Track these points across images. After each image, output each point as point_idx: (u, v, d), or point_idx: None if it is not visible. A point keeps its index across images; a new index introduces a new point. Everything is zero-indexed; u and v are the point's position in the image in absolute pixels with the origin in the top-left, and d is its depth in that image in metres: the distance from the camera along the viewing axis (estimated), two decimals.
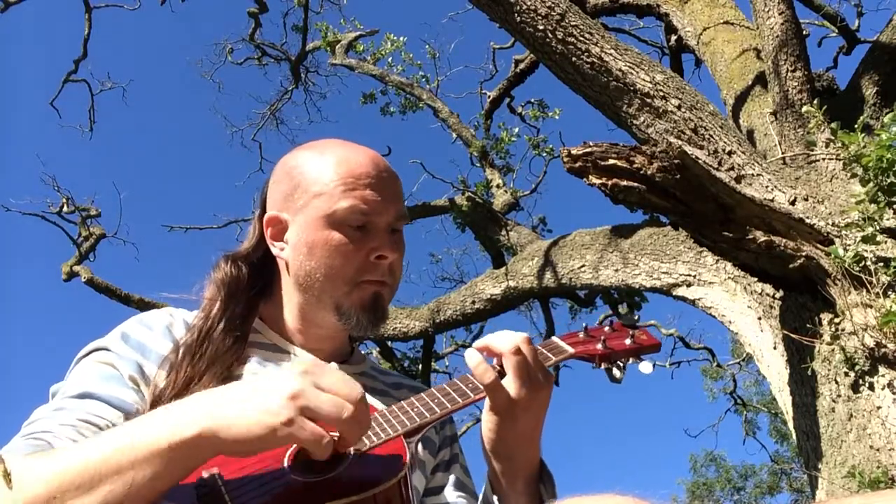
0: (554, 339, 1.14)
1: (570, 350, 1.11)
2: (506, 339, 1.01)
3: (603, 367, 1.14)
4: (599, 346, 1.12)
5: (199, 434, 0.76)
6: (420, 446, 1.18)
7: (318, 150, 1.15)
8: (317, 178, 1.11)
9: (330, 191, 1.09)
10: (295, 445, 0.90)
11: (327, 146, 1.16)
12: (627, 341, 1.14)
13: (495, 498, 1.07)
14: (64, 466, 0.76)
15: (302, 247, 1.11)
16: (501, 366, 1.01)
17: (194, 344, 1.07)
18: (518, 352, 1.00)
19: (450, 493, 1.20)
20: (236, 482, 0.85)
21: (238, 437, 0.76)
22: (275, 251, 1.16)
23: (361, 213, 1.08)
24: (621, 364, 1.14)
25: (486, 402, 1.03)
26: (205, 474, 0.85)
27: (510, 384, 0.99)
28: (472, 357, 1.01)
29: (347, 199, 1.08)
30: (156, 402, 0.99)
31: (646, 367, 1.15)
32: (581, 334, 1.15)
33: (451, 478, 1.22)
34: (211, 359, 1.05)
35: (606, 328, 1.18)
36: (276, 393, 0.78)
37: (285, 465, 0.88)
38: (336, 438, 0.79)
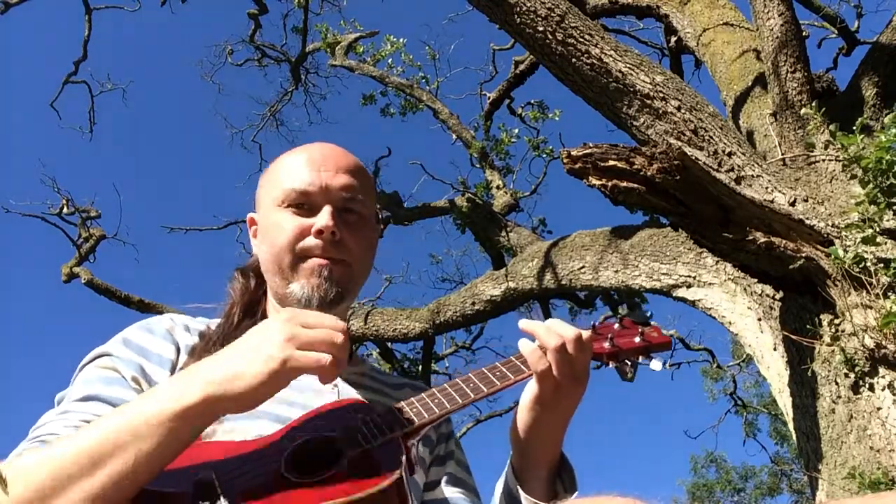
0: None
1: None
2: (557, 333, 1.03)
3: (612, 365, 1.12)
4: (607, 344, 1.11)
5: (204, 398, 0.80)
6: (420, 444, 1.19)
7: (281, 154, 1.24)
8: (270, 174, 1.21)
9: (276, 180, 1.18)
10: (290, 448, 0.90)
11: (291, 149, 1.25)
12: (637, 339, 1.13)
13: (518, 486, 1.09)
14: (63, 452, 0.78)
15: (261, 235, 1.20)
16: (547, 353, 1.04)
17: (209, 343, 1.11)
18: (564, 347, 1.03)
19: (445, 488, 1.21)
20: (232, 482, 0.85)
21: (244, 390, 0.81)
22: (255, 249, 1.24)
23: (299, 192, 1.15)
24: (629, 362, 1.13)
25: (531, 390, 1.06)
26: (203, 473, 0.85)
27: (557, 375, 1.03)
28: (526, 345, 1.05)
29: (287, 183, 1.16)
30: None
31: (656, 364, 1.13)
32: (589, 332, 1.13)
33: (447, 473, 1.23)
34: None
35: (616, 325, 1.16)
36: (270, 341, 0.84)
37: (281, 467, 0.88)
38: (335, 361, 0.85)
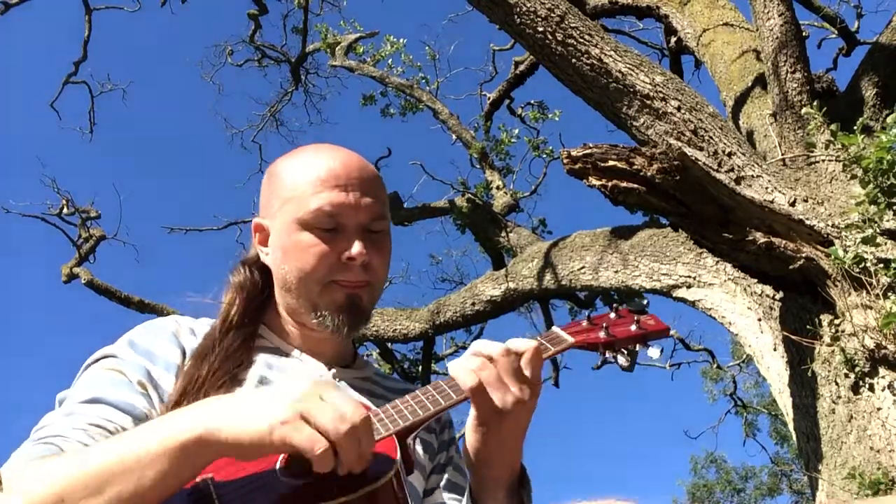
0: (555, 329, 1.12)
1: (571, 339, 1.08)
2: (486, 349, 0.99)
3: (608, 355, 1.10)
4: (602, 333, 1.09)
5: (200, 436, 0.78)
6: (421, 449, 1.19)
7: (294, 156, 1.18)
8: (288, 183, 1.13)
9: (299, 195, 1.11)
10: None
11: (304, 151, 1.18)
12: (633, 327, 1.10)
13: None
14: (73, 469, 0.78)
15: (278, 251, 1.13)
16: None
17: (209, 345, 1.09)
18: (494, 361, 0.98)
19: (443, 493, 1.20)
20: (228, 486, 0.85)
21: (237, 438, 0.78)
22: (262, 257, 1.18)
23: (328, 215, 1.09)
24: (626, 351, 1.11)
25: (471, 409, 1.00)
26: (197, 479, 0.85)
27: (494, 392, 0.97)
28: (453, 365, 0.99)
29: (315, 202, 1.09)
30: (177, 403, 1.00)
31: (654, 352, 1.11)
32: (584, 323, 1.12)
33: (444, 478, 1.22)
34: (221, 360, 1.07)
35: (611, 315, 1.14)
36: (279, 397, 0.80)
37: (277, 468, 0.88)
38: (330, 450, 0.78)
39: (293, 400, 0.79)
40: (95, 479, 0.77)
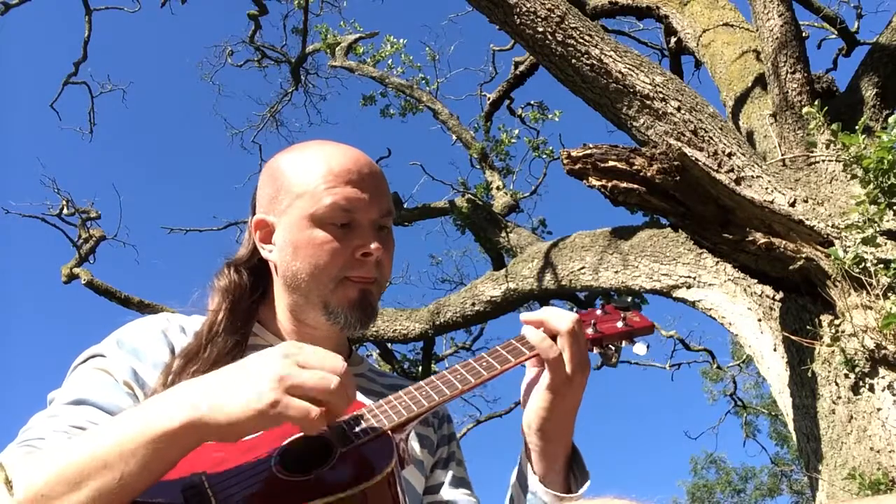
0: None
1: None
2: (564, 318, 1.01)
3: (595, 351, 1.12)
4: (590, 330, 1.11)
5: (186, 423, 0.78)
6: (418, 445, 1.18)
7: (300, 151, 1.17)
8: (299, 178, 1.12)
9: (311, 190, 1.10)
10: (283, 444, 0.90)
11: (309, 146, 1.17)
12: (619, 324, 1.13)
13: (536, 479, 1.06)
14: (52, 465, 0.78)
15: (287, 247, 1.11)
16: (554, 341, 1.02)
17: (196, 349, 1.07)
18: (575, 331, 1.01)
19: (447, 490, 1.19)
20: (223, 482, 0.85)
21: (227, 423, 0.78)
22: (264, 254, 1.17)
23: (343, 210, 1.09)
24: (613, 347, 1.13)
25: (544, 378, 1.03)
26: (192, 475, 0.85)
27: (568, 362, 1.01)
28: (534, 333, 1.02)
29: (329, 198, 1.08)
30: None
31: (640, 348, 1.14)
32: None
33: (449, 475, 1.21)
34: (212, 363, 1.05)
35: (598, 312, 1.16)
36: (261, 376, 0.79)
37: (272, 465, 0.88)
38: (324, 411, 0.81)
39: (277, 377, 0.79)
40: (75, 474, 0.77)
